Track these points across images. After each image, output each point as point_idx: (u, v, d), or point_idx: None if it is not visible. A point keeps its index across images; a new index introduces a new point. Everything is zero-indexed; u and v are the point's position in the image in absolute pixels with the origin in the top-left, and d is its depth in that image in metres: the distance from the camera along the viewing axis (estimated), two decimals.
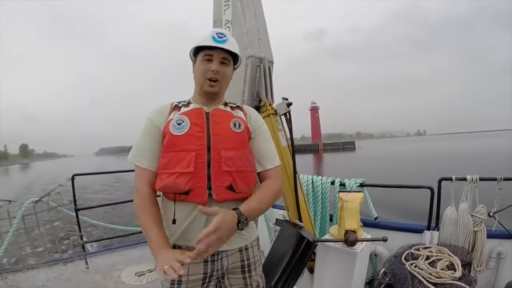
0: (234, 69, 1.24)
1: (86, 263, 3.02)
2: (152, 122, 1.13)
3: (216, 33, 1.12)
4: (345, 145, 73.99)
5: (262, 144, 1.20)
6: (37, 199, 3.12)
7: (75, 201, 3.12)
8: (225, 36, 1.13)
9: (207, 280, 1.12)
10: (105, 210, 8.83)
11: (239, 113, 1.21)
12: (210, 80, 1.13)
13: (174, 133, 1.07)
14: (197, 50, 1.16)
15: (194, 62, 1.19)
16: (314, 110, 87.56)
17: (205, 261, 1.11)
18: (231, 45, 1.14)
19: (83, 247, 3.16)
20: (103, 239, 4.13)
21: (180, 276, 1.09)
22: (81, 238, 3.14)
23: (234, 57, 1.19)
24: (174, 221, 1.08)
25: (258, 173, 1.19)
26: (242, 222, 0.98)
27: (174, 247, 1.11)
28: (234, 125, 1.13)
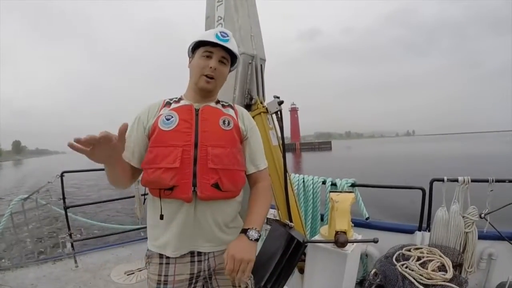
0: (230, 70, 1.24)
1: (75, 261, 2.98)
2: (139, 118, 1.14)
3: (220, 32, 1.14)
4: (321, 145, 78.21)
5: (255, 144, 1.20)
6: (25, 196, 3.07)
7: (64, 198, 3.08)
8: (227, 36, 1.14)
9: (193, 281, 1.11)
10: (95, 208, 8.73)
11: (230, 111, 1.20)
12: (206, 76, 1.12)
13: (163, 128, 1.07)
14: (196, 46, 1.16)
15: (191, 57, 1.18)
16: (294, 111, 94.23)
17: (192, 261, 1.10)
18: (233, 45, 1.16)
19: (72, 245, 3.11)
20: (93, 237, 4.09)
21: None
22: (70, 236, 3.10)
23: (232, 58, 1.20)
24: (161, 217, 1.07)
25: (250, 174, 1.19)
26: (252, 233, 1.06)
27: (161, 255, 1.10)
28: (223, 122, 1.12)
